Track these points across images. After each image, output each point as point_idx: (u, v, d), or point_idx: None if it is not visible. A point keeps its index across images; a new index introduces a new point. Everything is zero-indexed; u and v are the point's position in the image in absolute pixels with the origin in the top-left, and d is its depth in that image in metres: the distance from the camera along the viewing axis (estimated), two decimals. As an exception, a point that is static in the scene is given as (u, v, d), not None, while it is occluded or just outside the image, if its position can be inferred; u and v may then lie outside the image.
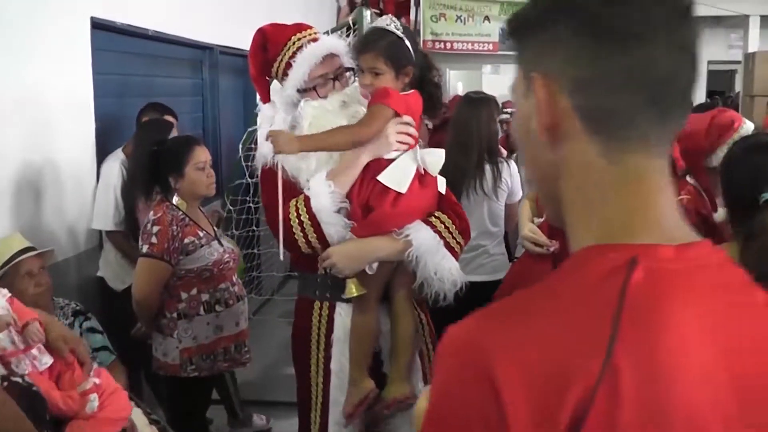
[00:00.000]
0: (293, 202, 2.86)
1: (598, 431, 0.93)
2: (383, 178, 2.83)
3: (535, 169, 1.17)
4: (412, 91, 2.91)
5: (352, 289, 2.86)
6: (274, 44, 3.03)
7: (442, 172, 3.02)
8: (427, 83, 2.99)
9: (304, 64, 2.91)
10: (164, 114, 5.02)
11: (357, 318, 2.95)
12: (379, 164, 2.86)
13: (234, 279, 4.23)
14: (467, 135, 4.64)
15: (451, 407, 0.99)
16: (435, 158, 2.97)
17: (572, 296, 1.03)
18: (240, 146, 6.08)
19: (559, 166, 1.10)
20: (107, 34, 5.20)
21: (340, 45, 3.04)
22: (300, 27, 3.08)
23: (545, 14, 1.08)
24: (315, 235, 2.83)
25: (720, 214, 3.62)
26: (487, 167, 4.65)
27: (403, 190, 2.83)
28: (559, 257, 3.30)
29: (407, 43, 2.85)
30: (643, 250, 1.02)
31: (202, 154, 4.05)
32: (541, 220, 3.45)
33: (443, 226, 2.94)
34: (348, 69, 3.01)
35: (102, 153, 5.04)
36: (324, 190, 2.81)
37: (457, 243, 2.99)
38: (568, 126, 1.05)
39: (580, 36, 1.03)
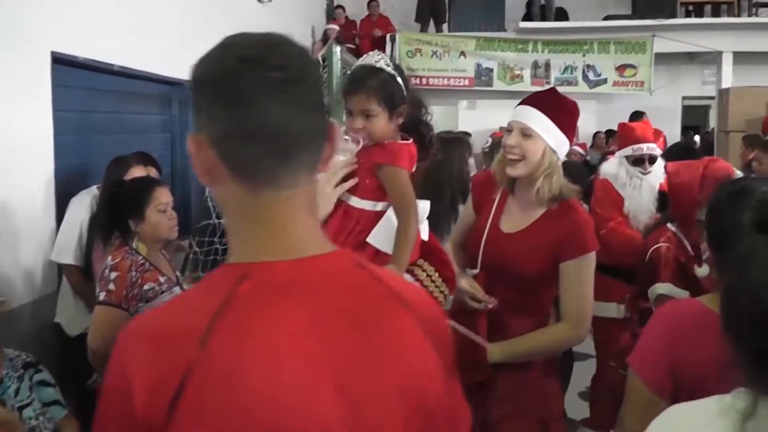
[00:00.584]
0: None
1: (189, 413, 1.18)
2: (372, 239, 2.64)
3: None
4: (410, 141, 2.71)
5: None
6: None
7: None
8: (417, 123, 2.80)
9: None
10: (147, 165, 4.88)
11: None
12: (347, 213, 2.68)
13: None
14: (439, 176, 4.47)
15: (105, 395, 1.29)
16: (420, 209, 2.78)
17: (191, 299, 1.39)
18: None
19: (221, 202, 1.39)
20: (69, 69, 5.05)
21: None
22: None
23: (192, 86, 1.35)
24: None
25: (704, 269, 3.49)
26: (461, 208, 4.49)
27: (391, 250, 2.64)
28: (495, 315, 3.07)
29: (399, 80, 2.63)
30: (258, 267, 1.30)
31: (163, 196, 3.88)
32: (476, 271, 3.17)
33: (425, 274, 2.77)
34: None
35: (63, 192, 4.86)
36: None
37: (441, 292, 2.81)
38: (218, 172, 1.31)
39: (211, 102, 1.30)
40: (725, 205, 2.35)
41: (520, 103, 3.06)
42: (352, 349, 1.28)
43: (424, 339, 1.39)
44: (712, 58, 14.43)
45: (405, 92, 2.65)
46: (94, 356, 3.70)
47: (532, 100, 3.04)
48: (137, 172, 4.73)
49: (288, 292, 1.28)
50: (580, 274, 3.00)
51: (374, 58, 2.66)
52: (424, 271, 2.77)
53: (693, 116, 16.28)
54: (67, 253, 4.60)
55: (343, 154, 2.70)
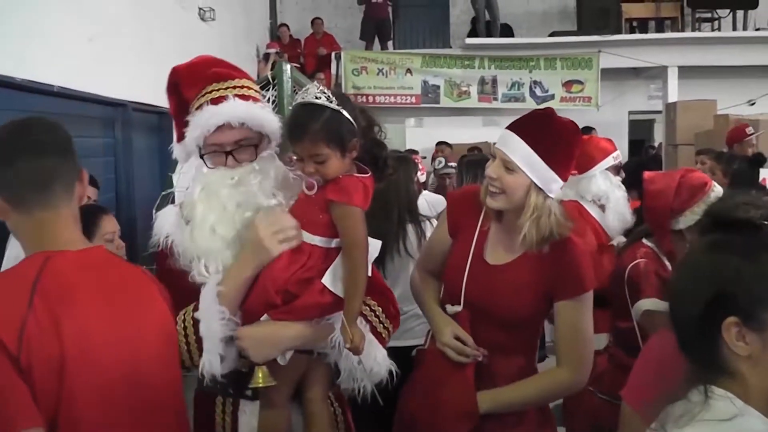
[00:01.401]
0: (182, 314, 2.39)
1: (30, 364, 1.80)
2: (327, 281, 2.42)
3: None
4: (368, 174, 2.47)
5: (259, 378, 2.41)
6: (187, 87, 2.59)
7: None
8: (371, 145, 2.53)
9: (196, 128, 2.47)
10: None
11: (264, 416, 2.55)
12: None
13: None
14: (386, 195, 4.31)
15: None
16: (371, 248, 2.55)
17: (9, 277, 2.02)
18: (154, 211, 5.63)
19: (13, 229, 2.12)
20: (5, 91, 4.79)
21: (247, 114, 2.48)
22: (218, 75, 2.57)
23: None
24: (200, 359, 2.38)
25: None
26: (410, 227, 4.36)
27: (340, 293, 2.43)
28: (486, 365, 2.80)
29: (345, 113, 2.37)
30: (55, 253, 1.99)
31: (109, 225, 3.66)
32: (458, 308, 2.83)
33: (369, 309, 2.55)
34: (262, 139, 2.55)
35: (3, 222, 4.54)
36: (215, 314, 2.36)
37: (385, 329, 2.59)
38: (4, 207, 2.03)
39: None
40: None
41: (507, 127, 2.74)
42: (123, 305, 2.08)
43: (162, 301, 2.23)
44: (658, 73, 14.58)
45: (354, 124, 2.40)
46: None
47: (519, 125, 2.70)
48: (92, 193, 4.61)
49: (80, 273, 2.01)
50: (578, 315, 2.74)
51: (314, 94, 2.40)
52: (367, 305, 2.55)
53: (638, 131, 16.37)
54: None
55: (289, 194, 2.53)
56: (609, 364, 3.71)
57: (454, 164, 8.12)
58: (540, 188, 2.64)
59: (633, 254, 3.53)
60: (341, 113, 2.36)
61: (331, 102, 2.37)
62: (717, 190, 3.43)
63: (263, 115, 2.50)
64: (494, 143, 2.78)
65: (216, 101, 2.46)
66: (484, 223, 2.86)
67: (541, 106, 13.66)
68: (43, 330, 1.83)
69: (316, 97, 2.38)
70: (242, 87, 2.54)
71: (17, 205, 2.01)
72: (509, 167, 2.64)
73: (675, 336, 1.84)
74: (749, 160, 6.81)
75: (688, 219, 3.35)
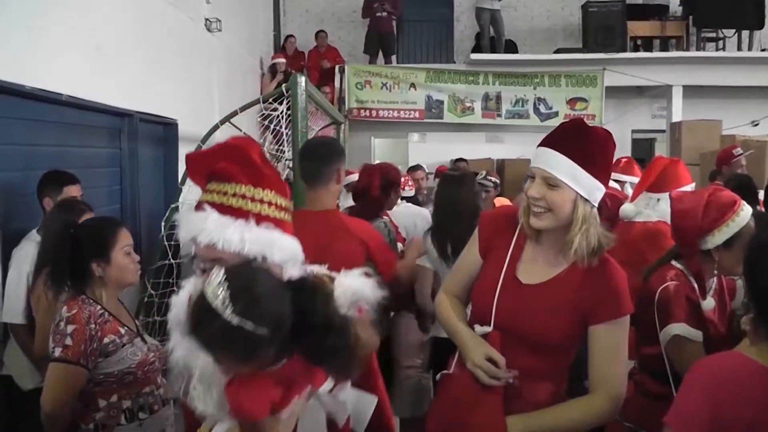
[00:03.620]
0: None
1: None
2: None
3: None
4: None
5: None
6: (194, 176, 2.38)
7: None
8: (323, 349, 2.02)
9: (186, 236, 2.23)
10: (63, 184, 4.59)
11: None
12: None
13: (159, 381, 3.65)
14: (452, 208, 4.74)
15: None
16: (363, 407, 2.35)
17: None
18: (162, 224, 5.56)
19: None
20: (13, 99, 4.71)
21: (219, 236, 2.14)
22: (219, 174, 2.24)
23: None
24: None
25: (708, 302, 3.34)
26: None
27: None
28: (514, 388, 2.67)
29: (248, 325, 1.84)
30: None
31: (126, 237, 3.55)
32: (488, 329, 2.71)
33: None
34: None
35: (6, 234, 4.54)
36: None
37: None
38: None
39: None
40: None
41: (540, 144, 2.68)
42: None
43: None
44: (662, 92, 14.55)
45: (266, 320, 1.87)
46: (48, 419, 3.33)
47: (554, 140, 2.64)
48: (75, 191, 4.61)
49: None
50: (615, 339, 2.65)
51: (212, 289, 1.87)
52: None
53: (639, 150, 16.31)
54: (16, 313, 4.29)
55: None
56: (635, 391, 3.60)
57: (492, 178, 8.25)
58: (586, 199, 2.59)
59: (662, 277, 3.43)
60: (242, 328, 1.84)
61: (230, 308, 1.84)
62: (746, 209, 3.34)
63: (241, 241, 2.15)
64: (529, 163, 2.71)
65: (198, 207, 2.23)
66: (518, 243, 2.78)
67: (545, 124, 13.88)
68: None
69: (214, 296, 1.87)
70: (242, 196, 2.20)
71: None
72: (552, 183, 2.58)
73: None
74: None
75: (716, 238, 3.27)
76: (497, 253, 2.82)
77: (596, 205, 2.64)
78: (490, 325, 2.73)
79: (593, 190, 2.60)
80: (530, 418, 2.63)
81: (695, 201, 3.37)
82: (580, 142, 2.59)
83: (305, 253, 2.42)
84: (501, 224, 2.86)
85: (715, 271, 3.36)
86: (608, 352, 2.65)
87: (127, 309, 3.75)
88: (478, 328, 2.77)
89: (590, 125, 2.64)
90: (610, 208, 6.63)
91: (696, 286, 3.38)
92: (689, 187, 4.55)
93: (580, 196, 2.58)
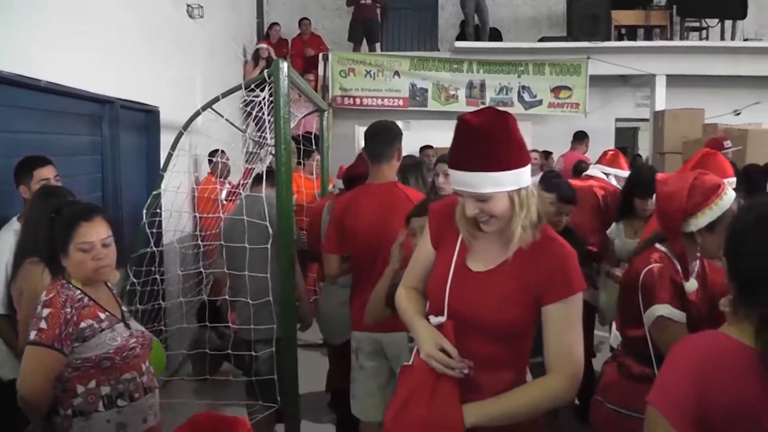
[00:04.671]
0: None
1: None
2: None
3: None
4: None
5: None
6: None
7: None
8: None
9: None
10: (33, 168, 4.55)
11: None
12: None
13: (143, 368, 3.62)
14: None
15: None
16: None
17: None
18: (144, 211, 5.52)
19: None
20: (-8, 85, 4.63)
21: None
22: None
23: None
24: None
25: (691, 284, 3.41)
26: None
27: None
28: (472, 377, 2.66)
29: None
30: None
31: (89, 233, 3.45)
32: (442, 319, 2.72)
33: None
34: None
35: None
36: None
37: None
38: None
39: None
40: (753, 230, 2.16)
41: (451, 166, 2.61)
42: None
43: None
44: (645, 81, 14.60)
45: None
46: (24, 403, 3.31)
47: (459, 161, 2.57)
48: (47, 172, 4.55)
49: None
50: (568, 319, 2.64)
51: None
52: None
53: (623, 138, 16.39)
54: None
55: None
56: (618, 374, 3.62)
57: None
58: (519, 189, 2.58)
59: (647, 259, 3.46)
60: None
61: None
62: (730, 193, 3.39)
63: None
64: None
65: None
66: (473, 231, 2.77)
67: (529, 112, 13.87)
68: None
69: None
70: None
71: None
72: (483, 199, 2.57)
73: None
74: (761, 169, 6.84)
75: (700, 221, 3.33)
76: (448, 244, 2.83)
77: (528, 182, 2.61)
78: (444, 316, 2.72)
79: (519, 176, 2.57)
80: (486, 405, 2.63)
81: (680, 184, 3.41)
82: (481, 150, 2.52)
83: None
84: (450, 215, 2.83)
85: (698, 254, 3.40)
86: (562, 332, 2.64)
87: (115, 295, 3.73)
88: (432, 318, 2.76)
89: (477, 121, 2.55)
90: (600, 200, 6.69)
91: (679, 268, 3.43)
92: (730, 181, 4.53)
93: (513, 191, 2.57)
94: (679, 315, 3.30)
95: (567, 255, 2.66)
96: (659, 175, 3.69)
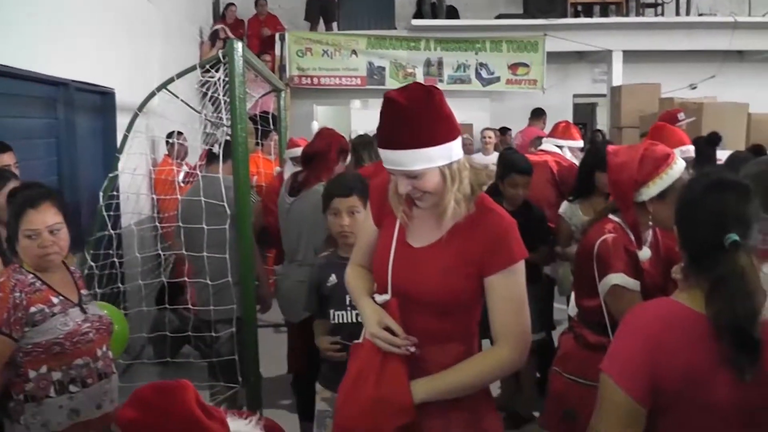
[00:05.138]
0: None
1: None
2: None
3: None
4: None
5: None
6: None
7: None
8: None
9: None
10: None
11: None
12: None
13: (99, 353, 3.60)
14: None
15: None
16: None
17: None
18: (101, 194, 5.48)
19: None
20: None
21: None
22: None
23: None
24: None
25: (644, 252, 3.47)
26: None
27: None
28: (420, 354, 2.65)
29: None
30: None
31: (34, 220, 3.42)
32: (387, 297, 2.70)
33: None
34: None
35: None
36: None
37: None
38: None
39: None
40: (702, 199, 2.23)
41: (380, 146, 2.58)
42: None
43: None
44: (602, 57, 14.69)
45: None
46: None
47: (386, 140, 2.53)
48: (7, 159, 4.56)
49: None
50: (511, 288, 2.62)
51: None
52: None
53: (581, 114, 16.49)
54: None
55: None
56: (575, 344, 3.67)
57: None
58: (450, 163, 2.55)
59: (601, 230, 3.52)
60: None
61: None
62: (680, 162, 3.45)
63: None
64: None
65: None
66: (407, 208, 2.76)
67: (487, 89, 13.89)
68: None
69: None
70: None
71: None
72: (413, 176, 2.55)
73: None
74: (706, 140, 6.91)
75: (651, 190, 3.39)
76: (389, 221, 2.81)
77: (461, 155, 2.60)
78: (388, 294, 2.71)
79: (450, 150, 2.55)
80: (433, 380, 2.62)
81: (631, 155, 3.47)
82: (408, 127, 2.49)
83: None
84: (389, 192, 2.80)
85: (650, 223, 3.45)
86: (506, 302, 2.63)
87: (76, 278, 3.72)
88: (377, 297, 2.75)
89: (403, 98, 2.49)
90: (556, 174, 6.73)
91: (633, 237, 3.49)
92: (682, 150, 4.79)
93: (445, 165, 2.55)
94: (633, 283, 3.37)
95: (506, 224, 2.65)
96: (610, 147, 3.74)
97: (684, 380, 2.08)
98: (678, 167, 3.41)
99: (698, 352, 2.08)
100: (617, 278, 3.37)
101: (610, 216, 3.60)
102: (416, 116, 2.47)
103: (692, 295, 2.20)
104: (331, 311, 3.81)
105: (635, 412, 2.12)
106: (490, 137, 11.36)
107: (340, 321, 3.75)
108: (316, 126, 13.75)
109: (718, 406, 2.09)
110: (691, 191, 2.31)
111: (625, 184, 3.44)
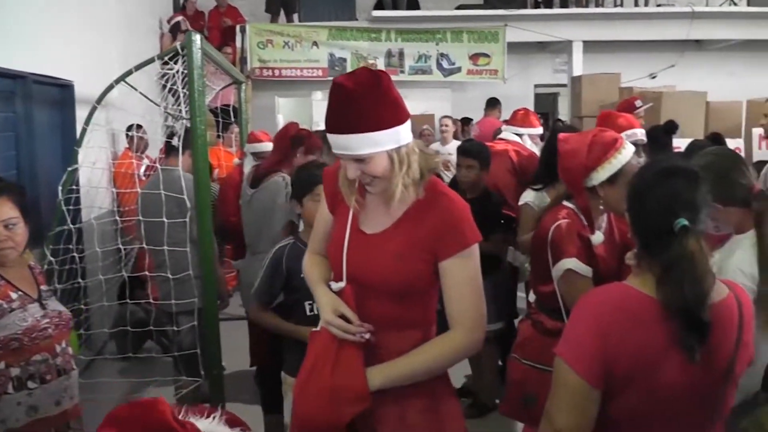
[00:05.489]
0: None
1: None
2: None
3: None
4: None
5: None
6: None
7: None
8: None
9: None
10: None
11: None
12: None
13: (58, 349, 3.57)
14: None
15: None
16: None
17: None
18: (60, 188, 5.44)
19: None
20: None
21: None
22: None
23: None
24: None
25: (597, 236, 3.53)
26: None
27: None
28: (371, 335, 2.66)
29: None
30: None
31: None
32: (342, 284, 2.71)
33: None
34: None
35: None
36: None
37: None
38: None
39: None
40: (651, 184, 2.30)
41: (328, 131, 2.56)
42: None
43: None
44: (563, 47, 14.74)
45: None
46: None
47: (334, 125, 2.52)
48: None
49: None
50: (465, 272, 2.63)
51: None
52: None
53: (543, 104, 16.58)
54: None
55: None
56: (533, 330, 3.72)
57: None
58: (398, 147, 2.56)
59: (555, 216, 3.59)
60: None
61: None
62: (628, 147, 3.52)
63: None
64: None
65: None
66: (358, 194, 2.76)
67: (448, 79, 13.91)
68: None
69: None
70: None
71: None
72: (361, 160, 2.55)
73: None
74: (663, 128, 6.96)
75: (600, 175, 3.45)
76: (342, 208, 2.81)
77: (409, 139, 2.60)
78: (343, 281, 2.72)
79: (398, 134, 2.56)
80: (389, 366, 2.63)
81: (580, 141, 3.55)
82: (355, 112, 2.49)
83: None
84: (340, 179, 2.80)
85: (601, 207, 3.51)
86: (461, 286, 2.64)
87: (36, 274, 3.69)
88: (333, 284, 2.75)
89: (350, 83, 2.50)
90: (516, 164, 6.77)
91: (585, 222, 3.56)
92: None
93: (392, 149, 2.55)
94: (585, 269, 3.43)
95: (458, 208, 2.65)
96: (561, 135, 3.78)
97: (635, 362, 2.13)
98: (627, 152, 3.47)
99: (649, 335, 2.13)
100: (570, 263, 3.43)
101: (565, 202, 3.67)
102: (363, 100, 2.48)
103: (644, 279, 2.24)
104: (306, 304, 3.82)
105: (589, 394, 2.16)
106: (447, 125, 11.37)
107: (317, 313, 3.76)
108: (281, 120, 13.76)
109: (669, 388, 2.14)
110: (641, 178, 2.36)
111: (575, 170, 3.51)
